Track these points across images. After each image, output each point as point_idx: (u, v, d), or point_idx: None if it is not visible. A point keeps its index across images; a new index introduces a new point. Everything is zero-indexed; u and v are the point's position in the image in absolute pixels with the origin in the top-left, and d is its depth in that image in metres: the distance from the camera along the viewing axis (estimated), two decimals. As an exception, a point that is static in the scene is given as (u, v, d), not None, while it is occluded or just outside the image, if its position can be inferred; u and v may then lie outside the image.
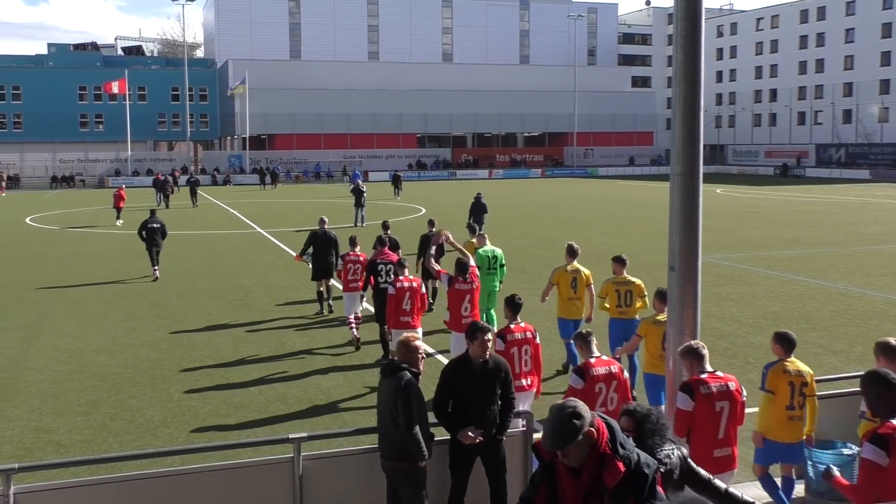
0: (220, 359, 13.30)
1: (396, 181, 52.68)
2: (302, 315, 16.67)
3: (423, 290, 11.93)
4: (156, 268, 21.64)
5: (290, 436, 6.53)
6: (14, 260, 25.46)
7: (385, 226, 17.02)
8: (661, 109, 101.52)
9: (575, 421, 3.92)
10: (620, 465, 3.98)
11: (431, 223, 17.07)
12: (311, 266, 16.81)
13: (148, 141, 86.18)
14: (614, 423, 4.15)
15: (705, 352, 6.53)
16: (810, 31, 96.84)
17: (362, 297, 14.32)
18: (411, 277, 11.76)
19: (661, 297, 9.13)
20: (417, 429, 6.29)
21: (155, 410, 10.76)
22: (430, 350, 12.94)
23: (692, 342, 6.66)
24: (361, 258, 14.43)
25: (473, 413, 6.77)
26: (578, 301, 12.09)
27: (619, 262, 11.42)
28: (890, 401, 5.34)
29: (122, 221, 37.17)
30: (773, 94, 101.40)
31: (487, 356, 6.88)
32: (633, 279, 11.29)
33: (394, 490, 6.51)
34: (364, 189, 36.09)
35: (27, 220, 40.07)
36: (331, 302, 16.84)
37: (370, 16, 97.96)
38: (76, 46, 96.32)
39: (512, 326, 8.55)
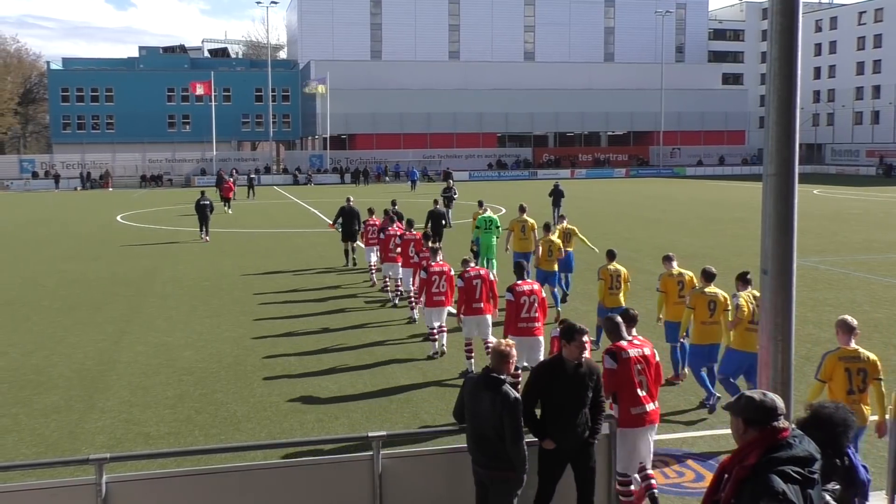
0: (300, 355, 13.48)
1: (447, 177, 58.17)
2: (380, 313, 16.80)
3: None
4: (204, 234, 29.26)
5: (370, 434, 6.52)
6: (107, 256, 26.39)
7: (393, 203, 22.31)
8: (754, 107, 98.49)
9: (753, 405, 3.98)
10: (746, 472, 3.88)
11: (436, 202, 23.59)
12: (340, 231, 22.87)
13: (232, 141, 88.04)
14: (798, 450, 3.87)
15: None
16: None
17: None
18: (397, 229, 17.64)
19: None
20: (524, 443, 6.19)
21: (238, 405, 10.96)
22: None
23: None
24: (377, 223, 19.74)
25: (565, 417, 6.60)
26: (527, 240, 17.75)
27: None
28: None
29: (231, 211, 39.53)
30: (876, 90, 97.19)
31: (583, 359, 6.72)
32: (574, 228, 18.17)
33: (484, 495, 6.40)
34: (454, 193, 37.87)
35: (118, 217, 41.51)
36: (355, 257, 22.78)
37: (451, 15, 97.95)
38: (165, 49, 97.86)
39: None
